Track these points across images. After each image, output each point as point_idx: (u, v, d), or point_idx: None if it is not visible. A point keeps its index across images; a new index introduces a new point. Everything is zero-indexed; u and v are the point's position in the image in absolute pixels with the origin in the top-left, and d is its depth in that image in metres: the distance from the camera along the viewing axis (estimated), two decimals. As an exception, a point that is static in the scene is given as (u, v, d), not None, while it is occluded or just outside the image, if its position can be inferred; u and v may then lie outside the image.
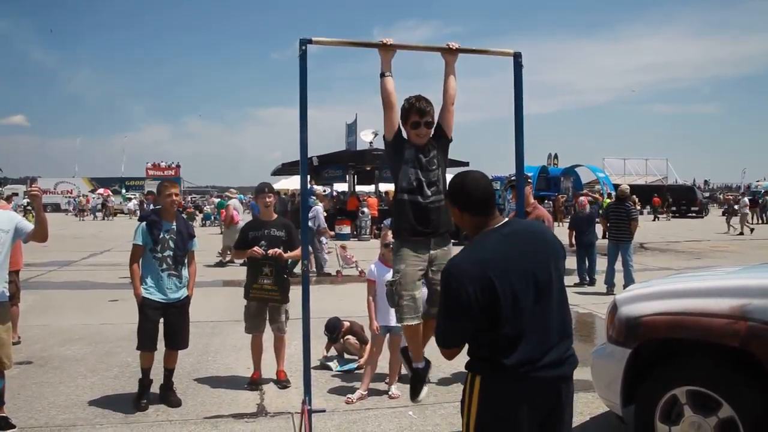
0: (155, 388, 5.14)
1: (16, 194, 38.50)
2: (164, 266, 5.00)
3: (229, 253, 14.54)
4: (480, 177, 2.48)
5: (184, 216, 6.34)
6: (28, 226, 4.55)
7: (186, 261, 5.17)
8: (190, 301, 5.23)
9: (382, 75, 3.44)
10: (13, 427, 4.44)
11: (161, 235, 5.01)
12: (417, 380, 3.50)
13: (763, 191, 40.84)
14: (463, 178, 2.47)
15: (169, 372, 5.18)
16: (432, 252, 3.38)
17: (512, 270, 2.27)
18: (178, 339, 5.16)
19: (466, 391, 2.39)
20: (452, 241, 3.47)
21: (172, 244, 5.04)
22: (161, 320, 5.07)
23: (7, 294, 4.48)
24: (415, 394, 3.49)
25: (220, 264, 14.78)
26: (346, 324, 6.40)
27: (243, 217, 14.80)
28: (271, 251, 5.39)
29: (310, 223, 12.81)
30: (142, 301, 4.99)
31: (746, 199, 27.82)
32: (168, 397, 5.09)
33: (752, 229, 25.00)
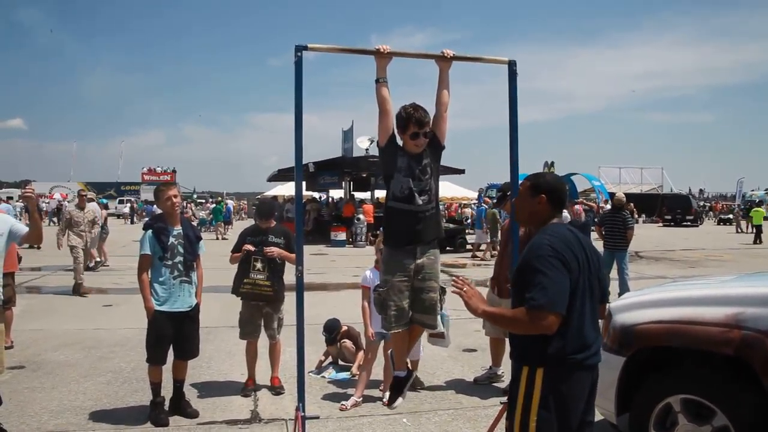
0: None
1: (11, 198, 38.43)
2: (176, 273, 4.81)
3: (99, 257, 14.68)
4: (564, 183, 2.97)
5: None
6: (23, 228, 4.52)
7: (195, 265, 5.01)
8: (199, 308, 5.06)
9: (378, 81, 3.45)
10: (5, 432, 4.41)
11: (170, 242, 4.82)
12: (396, 388, 3.60)
13: (757, 200, 41.02)
14: (558, 178, 2.94)
15: (180, 383, 5.03)
16: (419, 261, 3.42)
17: (581, 257, 2.61)
18: (190, 348, 5.00)
19: (522, 386, 2.58)
20: (447, 247, 3.51)
21: (181, 249, 4.85)
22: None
23: (1, 297, 4.45)
24: (391, 401, 3.61)
25: (91, 269, 13.99)
26: (344, 328, 6.39)
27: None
28: (266, 249, 5.35)
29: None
30: (153, 314, 4.77)
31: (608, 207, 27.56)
32: (184, 408, 4.92)
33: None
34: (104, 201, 18.04)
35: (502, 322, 2.81)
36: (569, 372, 2.54)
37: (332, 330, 6.32)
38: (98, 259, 15.16)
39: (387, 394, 5.24)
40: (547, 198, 2.73)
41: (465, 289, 2.74)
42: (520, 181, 3.99)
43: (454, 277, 2.88)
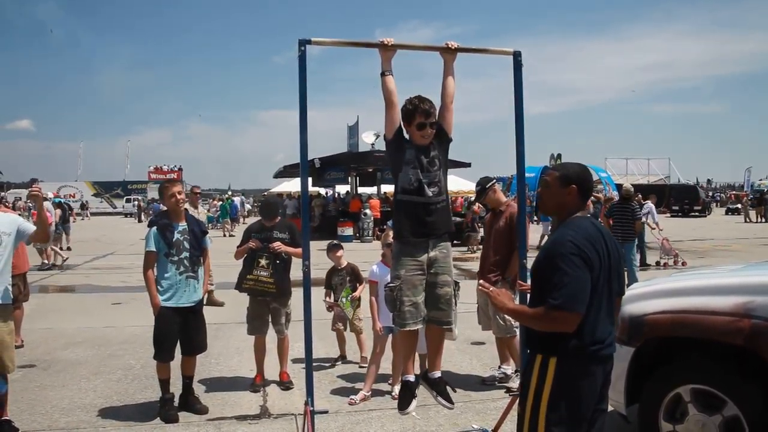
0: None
1: (19, 198, 38.62)
2: (182, 269, 4.82)
3: (60, 258, 14.69)
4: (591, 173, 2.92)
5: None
6: (30, 227, 4.54)
7: (201, 260, 5.02)
8: (204, 301, 5.07)
9: (383, 74, 3.43)
10: (17, 430, 4.44)
11: (175, 238, 4.84)
12: (408, 393, 3.51)
13: (766, 189, 40.77)
14: (585, 168, 2.83)
15: (189, 379, 5.05)
16: (431, 254, 3.36)
17: (603, 253, 2.59)
18: (197, 343, 5.01)
19: (534, 374, 2.59)
20: (454, 241, 3.46)
21: (187, 245, 4.87)
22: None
23: (11, 296, 4.47)
24: (402, 407, 3.51)
25: (43, 268, 14.20)
26: (343, 259, 6.33)
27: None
28: (271, 245, 5.36)
29: (645, 219, 12.57)
30: (159, 310, 4.77)
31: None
32: (194, 404, 4.94)
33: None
34: (60, 200, 17.86)
35: (524, 319, 2.83)
36: (582, 363, 2.55)
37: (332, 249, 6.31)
38: (64, 257, 15.23)
39: (396, 388, 5.25)
40: (577, 189, 2.70)
41: (491, 288, 2.91)
42: (527, 174, 4.03)
43: (479, 283, 2.98)
